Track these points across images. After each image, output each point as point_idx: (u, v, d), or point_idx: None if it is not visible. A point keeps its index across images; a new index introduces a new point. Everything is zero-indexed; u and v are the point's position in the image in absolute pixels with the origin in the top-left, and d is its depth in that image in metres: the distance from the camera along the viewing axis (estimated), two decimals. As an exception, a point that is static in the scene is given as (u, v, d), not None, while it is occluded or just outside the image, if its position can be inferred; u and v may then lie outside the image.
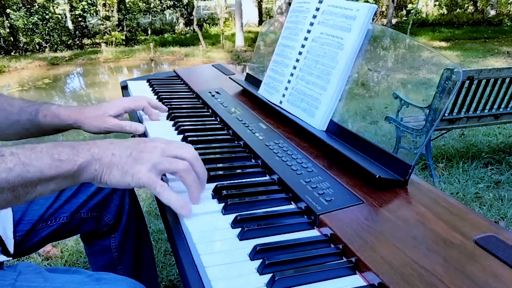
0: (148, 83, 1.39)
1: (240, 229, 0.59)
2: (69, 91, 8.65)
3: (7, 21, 11.90)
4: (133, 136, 0.94)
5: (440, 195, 0.66)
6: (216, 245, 0.57)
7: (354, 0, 0.88)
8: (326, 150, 0.82)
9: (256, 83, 1.17)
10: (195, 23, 13.97)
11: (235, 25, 12.68)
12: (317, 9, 0.94)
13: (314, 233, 0.61)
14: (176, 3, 16.20)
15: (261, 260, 0.52)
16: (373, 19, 0.84)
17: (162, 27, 16.70)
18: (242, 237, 0.58)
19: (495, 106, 2.78)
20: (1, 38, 11.94)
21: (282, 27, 1.07)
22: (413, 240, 0.55)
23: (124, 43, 13.39)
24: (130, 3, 14.91)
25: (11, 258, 0.80)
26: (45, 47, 12.58)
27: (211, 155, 0.82)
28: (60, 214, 0.98)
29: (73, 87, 9.25)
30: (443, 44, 11.58)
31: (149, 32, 15.85)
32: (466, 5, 18.03)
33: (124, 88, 1.38)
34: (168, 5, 16.31)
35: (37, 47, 12.56)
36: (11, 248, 0.85)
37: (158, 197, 0.62)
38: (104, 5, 13.94)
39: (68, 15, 13.79)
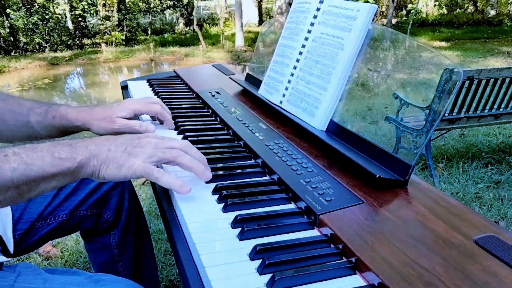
0: (148, 83, 1.39)
1: (240, 229, 0.59)
2: (69, 91, 8.65)
3: (7, 21, 11.90)
4: None
5: (440, 195, 0.66)
6: (216, 245, 0.57)
7: (354, 0, 0.88)
8: (326, 150, 0.82)
9: (256, 83, 1.17)
10: (195, 23, 13.97)
11: (235, 25, 12.68)
12: (318, 9, 0.94)
13: (314, 233, 0.61)
14: (176, 3, 16.20)
15: (261, 260, 0.52)
16: (373, 19, 0.84)
17: (162, 27, 16.70)
18: (242, 237, 0.58)
19: (495, 106, 2.78)
20: (1, 38, 11.94)
21: (282, 27, 1.07)
22: (413, 240, 0.55)
23: (124, 43, 13.38)
24: (130, 3, 14.91)
25: (10, 259, 0.80)
26: (45, 47, 12.58)
27: (211, 155, 0.82)
28: (59, 212, 0.98)
29: (73, 87, 9.25)
30: (443, 44, 11.58)
31: (149, 32, 15.85)
32: (466, 5, 18.03)
33: (124, 88, 1.38)
34: (168, 5, 16.31)
35: (37, 47, 12.55)
36: (11, 248, 0.86)
37: (157, 183, 0.66)
38: (104, 5, 13.94)
39: (68, 15, 13.79)
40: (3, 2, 11.84)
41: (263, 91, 1.08)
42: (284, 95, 0.99)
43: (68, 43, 12.98)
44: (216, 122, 1.04)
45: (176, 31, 16.29)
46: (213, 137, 0.93)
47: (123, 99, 1.12)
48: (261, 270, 0.51)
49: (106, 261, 1.13)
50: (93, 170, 0.64)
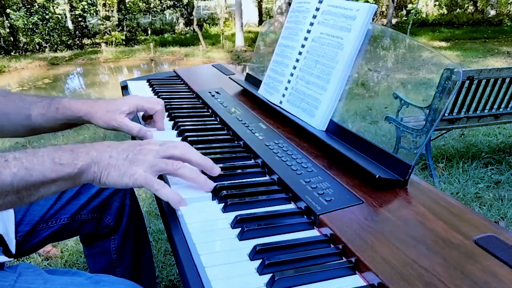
0: (148, 83, 1.39)
1: (240, 229, 0.59)
2: (69, 91, 8.65)
3: (7, 21, 11.90)
4: (133, 138, 0.93)
5: (440, 195, 0.66)
6: (216, 245, 0.57)
7: (354, 0, 0.88)
8: (326, 150, 0.82)
9: (256, 83, 1.17)
10: (195, 23, 13.97)
11: (235, 25, 12.68)
12: (317, 9, 0.94)
13: (314, 233, 0.61)
14: (176, 3, 16.20)
15: (261, 260, 0.52)
16: (373, 19, 0.84)
17: (162, 27, 16.70)
18: (242, 237, 0.58)
19: (495, 106, 2.78)
20: (1, 38, 11.94)
21: (282, 27, 1.07)
22: (413, 240, 0.54)
23: (124, 43, 13.39)
24: (130, 3, 14.91)
25: (12, 259, 0.80)
26: (45, 47, 12.58)
27: (211, 155, 0.82)
28: (60, 215, 0.98)
29: (73, 87, 9.25)
30: (443, 44, 11.58)
31: (149, 32, 15.85)
32: (466, 5, 18.03)
33: (124, 88, 1.38)
34: (168, 5, 16.31)
35: (37, 47, 12.56)
36: (13, 249, 0.86)
37: (156, 194, 0.65)
38: (104, 5, 13.94)
39: (68, 15, 13.79)
40: (3, 2, 11.84)
41: (263, 91, 1.08)
42: (284, 95, 0.99)
43: (68, 43, 12.98)
44: (216, 122, 1.04)
45: (176, 31, 16.29)
46: (213, 137, 0.93)
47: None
48: (261, 270, 0.51)
49: (105, 266, 1.13)
50: (94, 176, 0.64)
